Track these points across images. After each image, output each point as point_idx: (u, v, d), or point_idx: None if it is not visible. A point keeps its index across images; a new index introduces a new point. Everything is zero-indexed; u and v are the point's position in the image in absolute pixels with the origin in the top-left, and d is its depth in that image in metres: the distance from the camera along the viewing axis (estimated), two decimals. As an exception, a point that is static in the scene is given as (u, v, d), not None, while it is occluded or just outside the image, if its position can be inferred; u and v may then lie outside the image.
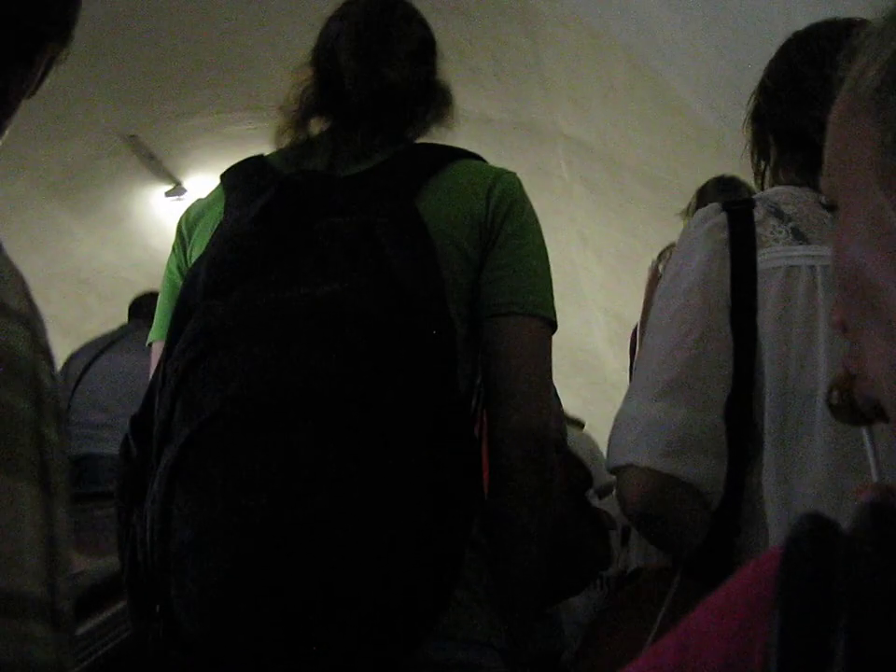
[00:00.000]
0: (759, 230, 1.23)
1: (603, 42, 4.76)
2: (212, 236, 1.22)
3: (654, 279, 2.63)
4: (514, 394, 1.26)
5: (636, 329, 2.44)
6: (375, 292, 1.05)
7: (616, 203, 6.26)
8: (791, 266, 1.19)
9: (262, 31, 5.26)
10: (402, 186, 1.25)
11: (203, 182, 6.86)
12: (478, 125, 6.09)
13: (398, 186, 1.24)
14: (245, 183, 1.29)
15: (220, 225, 1.24)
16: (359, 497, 0.95)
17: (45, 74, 0.74)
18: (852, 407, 0.66)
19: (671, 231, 6.51)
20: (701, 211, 1.33)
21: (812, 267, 1.18)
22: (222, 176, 1.35)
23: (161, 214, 7.18)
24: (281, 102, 1.44)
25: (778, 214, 1.22)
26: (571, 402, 12.65)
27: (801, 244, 1.20)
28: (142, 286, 4.36)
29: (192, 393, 1.02)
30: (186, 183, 6.95)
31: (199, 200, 1.40)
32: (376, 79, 1.34)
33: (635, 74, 4.78)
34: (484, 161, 1.41)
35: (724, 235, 1.24)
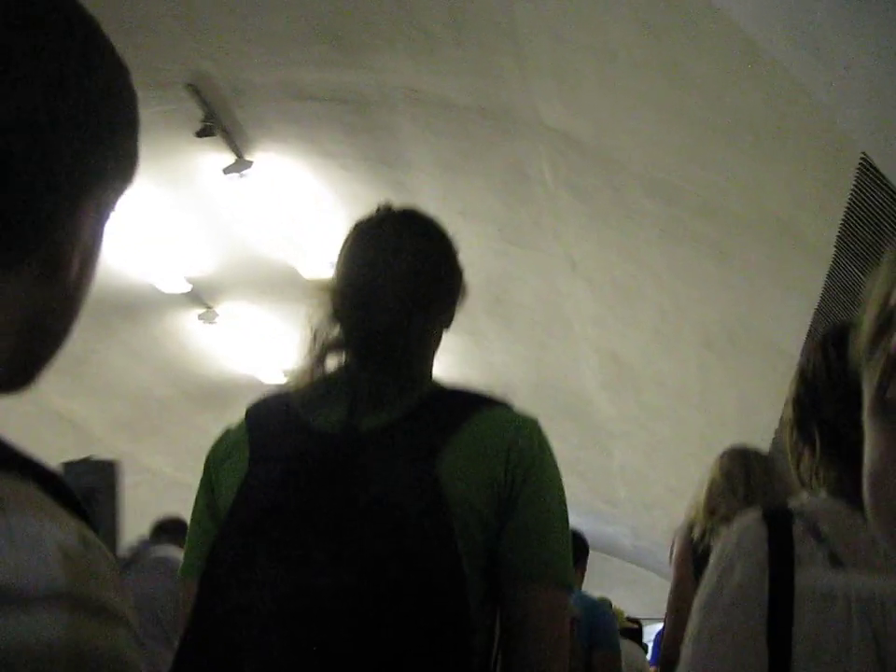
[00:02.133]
0: (797, 548, 1.29)
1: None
2: (239, 494, 1.36)
3: (684, 551, 3.18)
4: (529, 657, 1.35)
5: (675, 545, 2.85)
6: (394, 581, 1.23)
7: (613, 218, 4.94)
8: (827, 594, 1.25)
9: None
10: (423, 449, 1.34)
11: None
12: (435, 111, 4.77)
13: (418, 449, 1.34)
14: (271, 435, 1.43)
15: (246, 483, 1.37)
16: None
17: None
18: None
19: (684, 255, 5.07)
20: (743, 519, 1.37)
21: (847, 596, 1.23)
22: (248, 413, 1.49)
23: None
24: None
25: (816, 533, 1.29)
26: (559, 448, 10.77)
27: (837, 569, 1.27)
28: None
29: None
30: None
31: (226, 434, 1.52)
32: (378, 325, 1.44)
33: (642, 39, 3.44)
34: (506, 406, 1.48)
35: (764, 553, 1.30)
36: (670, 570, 3.47)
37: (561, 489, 1.45)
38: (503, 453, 1.36)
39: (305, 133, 5.33)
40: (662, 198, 4.55)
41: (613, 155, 4.56)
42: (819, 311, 4.40)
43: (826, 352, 1.39)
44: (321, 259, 6.91)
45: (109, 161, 0.63)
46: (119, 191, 0.66)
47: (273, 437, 1.41)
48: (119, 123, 0.64)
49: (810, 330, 4.57)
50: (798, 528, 1.26)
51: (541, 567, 1.35)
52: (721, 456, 3.47)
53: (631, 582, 15.55)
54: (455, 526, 1.27)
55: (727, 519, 2.95)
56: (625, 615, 7.30)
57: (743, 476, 3.20)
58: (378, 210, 1.54)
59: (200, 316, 8.13)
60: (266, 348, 8.63)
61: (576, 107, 4.42)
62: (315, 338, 1.46)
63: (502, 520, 1.34)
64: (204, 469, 1.50)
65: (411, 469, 1.30)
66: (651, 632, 17.12)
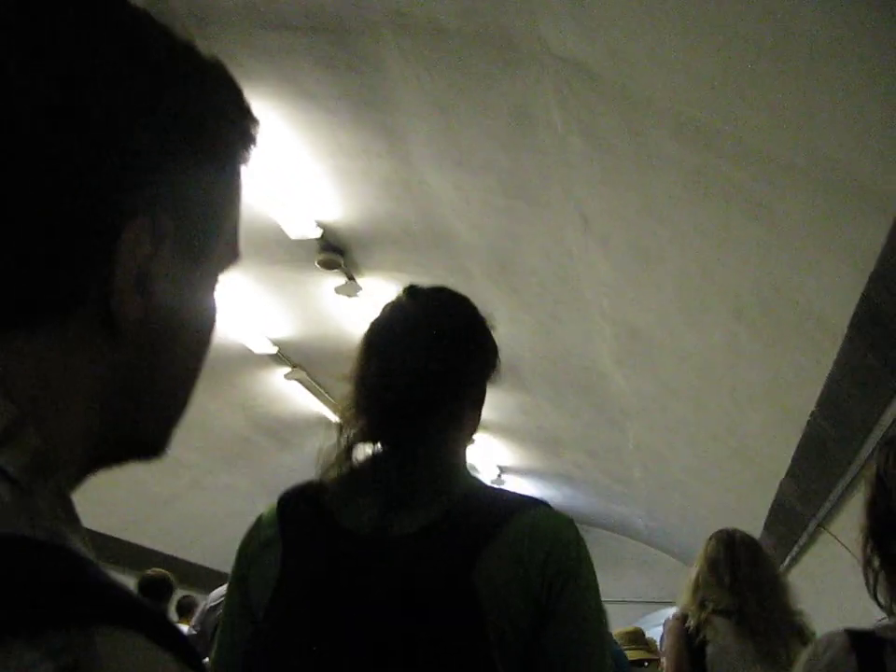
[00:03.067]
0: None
1: None
2: (273, 597, 1.38)
3: (678, 643, 3.25)
4: None
5: (667, 635, 2.99)
6: None
7: (632, 166, 4.28)
8: None
9: None
10: (458, 557, 1.31)
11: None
12: (425, 40, 4.06)
13: (453, 557, 1.32)
14: (303, 535, 1.43)
15: (280, 586, 1.39)
16: None
17: None
18: None
19: (714, 210, 4.34)
20: (830, 641, 1.31)
21: None
22: (280, 507, 1.49)
23: None
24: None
25: None
26: (569, 424, 10.09)
27: None
28: None
29: None
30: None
31: (258, 527, 1.51)
32: (404, 412, 1.43)
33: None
34: (543, 506, 1.45)
35: None
36: (663, 661, 3.73)
37: (598, 601, 1.42)
38: (540, 563, 1.35)
39: (278, 69, 4.66)
40: (690, 141, 3.87)
41: (633, 89, 3.87)
42: (874, 277, 3.72)
43: None
44: (306, 216, 6.28)
45: (158, 173, 0.57)
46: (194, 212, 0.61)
47: (304, 537, 1.41)
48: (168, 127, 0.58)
49: (862, 299, 3.90)
50: (888, 651, 1.17)
51: None
52: (709, 540, 3.68)
53: (644, 564, 15.00)
54: (491, 638, 1.27)
55: (718, 612, 3.29)
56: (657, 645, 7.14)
57: (729, 566, 3.39)
58: (403, 292, 1.55)
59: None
60: (252, 315, 8.04)
61: (589, 32, 3.73)
62: (341, 430, 1.46)
63: (538, 631, 1.33)
64: (237, 561, 1.51)
65: (446, 579, 1.30)
66: (668, 613, 16.58)
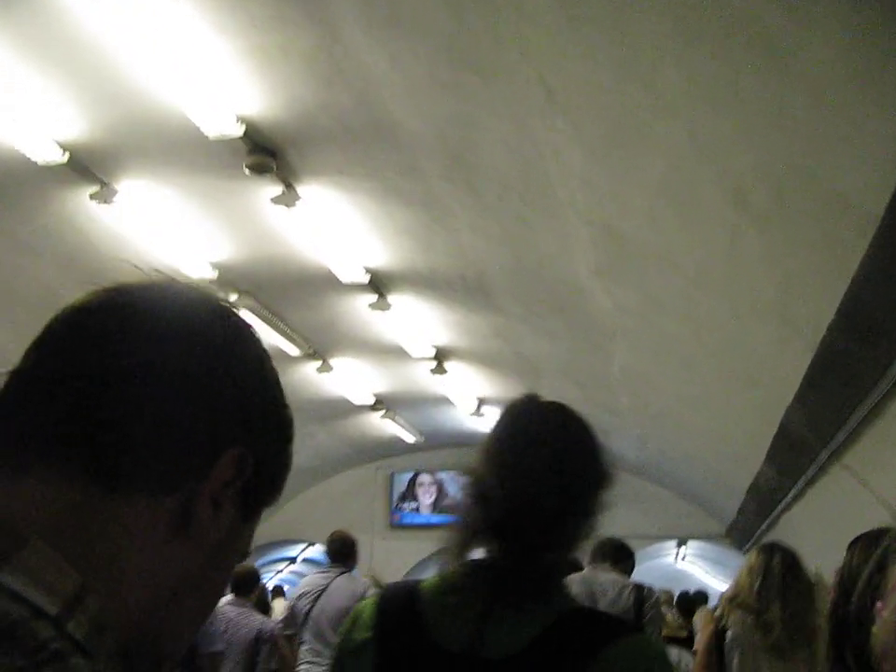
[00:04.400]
0: None
1: None
2: None
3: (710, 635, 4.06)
4: None
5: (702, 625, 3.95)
6: None
7: (607, 13, 3.28)
8: None
9: None
10: None
11: None
12: None
13: None
14: (397, 646, 1.49)
15: None
16: None
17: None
18: None
19: (710, 65, 3.48)
20: None
21: None
22: (379, 611, 1.55)
23: None
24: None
25: None
26: (549, 350, 9.01)
27: None
28: None
29: None
30: None
31: (356, 625, 1.58)
32: (529, 520, 1.47)
33: None
34: (638, 636, 1.52)
35: None
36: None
37: None
38: None
39: None
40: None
41: None
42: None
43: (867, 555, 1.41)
44: (223, 109, 5.30)
45: (243, 426, 0.76)
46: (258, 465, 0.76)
47: (398, 648, 1.47)
48: (254, 398, 0.78)
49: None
50: None
51: None
52: (753, 549, 4.23)
53: (637, 498, 14.24)
54: None
55: (742, 606, 3.81)
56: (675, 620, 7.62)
57: (761, 573, 3.79)
58: (527, 399, 1.61)
59: (92, 196, 6.56)
60: (184, 234, 7.07)
61: None
62: (464, 522, 1.50)
63: None
64: (336, 659, 1.60)
65: None
66: (662, 548, 15.93)
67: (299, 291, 8.25)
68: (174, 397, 0.71)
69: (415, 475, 15.19)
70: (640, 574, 10.77)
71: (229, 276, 7.87)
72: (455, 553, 1.49)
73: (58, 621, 0.59)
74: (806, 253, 4.18)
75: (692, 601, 9.93)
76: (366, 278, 7.58)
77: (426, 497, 14.90)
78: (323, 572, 6.56)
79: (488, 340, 8.83)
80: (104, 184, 6.48)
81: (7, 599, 0.58)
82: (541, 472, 1.47)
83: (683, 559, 17.25)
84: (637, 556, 15.73)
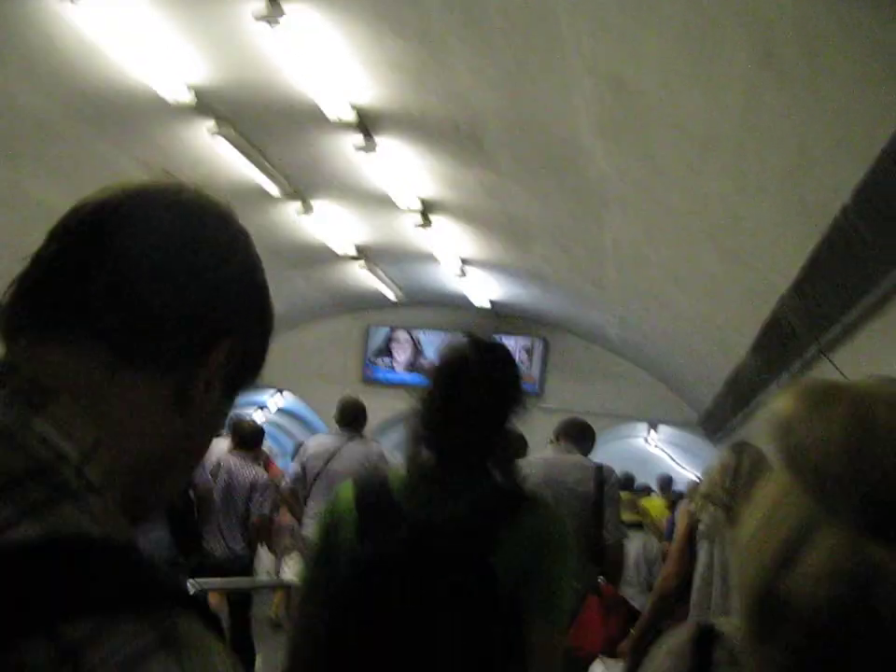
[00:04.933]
0: None
1: None
2: (351, 568, 1.97)
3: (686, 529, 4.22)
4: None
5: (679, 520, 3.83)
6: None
7: None
8: None
9: None
10: (483, 541, 1.95)
11: None
12: None
13: (481, 541, 1.95)
14: (374, 514, 2.03)
15: (356, 557, 1.99)
16: None
17: (222, 368, 0.88)
18: None
19: None
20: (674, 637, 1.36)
21: None
22: (357, 490, 2.09)
23: None
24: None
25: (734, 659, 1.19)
26: (540, 212, 8.53)
27: None
28: None
29: None
30: None
31: (340, 499, 2.12)
32: (460, 438, 2.07)
33: None
34: (549, 510, 2.13)
35: None
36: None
37: (573, 569, 2.07)
38: (541, 541, 2.01)
39: None
40: None
41: None
42: None
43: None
44: None
45: (235, 321, 0.89)
46: (245, 355, 0.91)
47: (376, 516, 2.00)
48: (246, 298, 0.91)
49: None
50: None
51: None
52: (726, 448, 4.34)
53: (614, 376, 14.05)
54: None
55: (713, 502, 3.99)
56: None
57: (733, 470, 3.95)
58: (464, 341, 2.06)
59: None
60: (159, 52, 6.51)
61: None
62: (412, 438, 2.08)
63: (529, 580, 1.98)
64: (325, 525, 2.13)
65: (475, 561, 1.93)
66: (633, 429, 15.86)
67: (281, 125, 7.75)
68: (180, 290, 0.84)
69: (392, 331, 14.93)
70: (609, 454, 10.67)
71: (207, 100, 7.35)
72: (411, 449, 2.06)
73: (78, 465, 0.73)
74: (829, 123, 3.77)
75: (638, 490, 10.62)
76: (352, 115, 7.09)
77: (400, 355, 14.66)
78: (335, 435, 6.73)
79: (478, 196, 8.40)
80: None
81: (38, 443, 0.71)
82: (469, 404, 1.98)
83: (654, 445, 17.24)
84: (608, 435, 15.75)
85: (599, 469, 4.65)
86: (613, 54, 4.60)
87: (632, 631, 4.31)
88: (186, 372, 0.83)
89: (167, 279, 0.82)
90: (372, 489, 2.07)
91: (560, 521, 2.08)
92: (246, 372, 0.93)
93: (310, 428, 16.69)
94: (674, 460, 19.19)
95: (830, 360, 5.52)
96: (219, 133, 7.87)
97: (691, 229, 6.15)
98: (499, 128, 6.49)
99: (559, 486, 4.40)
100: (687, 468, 17.57)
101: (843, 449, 0.78)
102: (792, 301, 5.55)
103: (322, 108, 7.04)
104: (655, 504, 10.66)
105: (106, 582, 0.64)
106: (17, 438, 0.72)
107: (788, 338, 5.99)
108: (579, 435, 4.92)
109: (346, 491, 2.09)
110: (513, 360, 2.10)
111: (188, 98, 7.18)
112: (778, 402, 0.86)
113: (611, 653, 4.45)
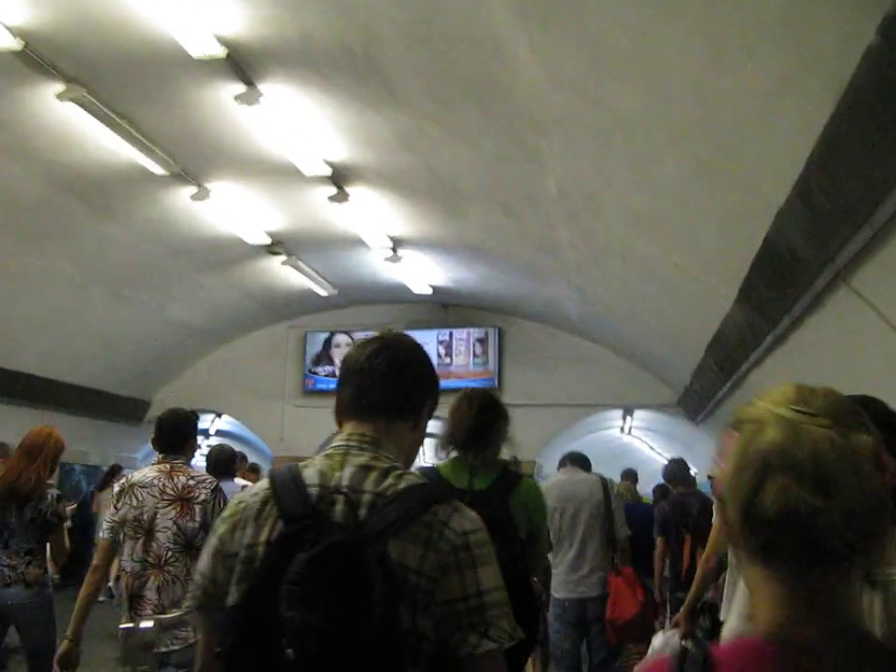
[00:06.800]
0: None
1: None
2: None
3: None
4: None
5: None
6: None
7: None
8: None
9: None
10: (501, 496, 3.42)
11: None
12: None
13: (498, 504, 3.35)
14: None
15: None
16: None
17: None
18: None
19: None
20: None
21: None
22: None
23: None
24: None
25: None
26: (469, 161, 7.25)
27: None
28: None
29: None
30: None
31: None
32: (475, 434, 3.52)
33: None
34: (534, 481, 3.83)
35: None
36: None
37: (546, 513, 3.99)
38: (530, 502, 3.50)
39: None
40: None
41: None
42: None
43: None
44: None
45: (428, 401, 2.03)
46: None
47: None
48: (432, 391, 2.05)
49: None
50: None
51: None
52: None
53: (577, 360, 12.72)
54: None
55: None
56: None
57: None
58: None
59: None
60: None
61: None
62: (445, 440, 3.52)
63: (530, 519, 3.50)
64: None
65: (498, 505, 3.33)
66: (606, 418, 14.59)
67: (143, 79, 6.37)
68: (421, 383, 1.99)
69: (331, 335, 13.63)
70: (583, 447, 9.32)
71: (41, 49, 5.97)
72: (444, 451, 3.55)
73: (397, 463, 1.86)
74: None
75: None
76: (222, 51, 5.72)
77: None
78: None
79: (394, 152, 7.05)
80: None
81: (385, 459, 1.85)
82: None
83: (629, 432, 16.05)
84: (579, 427, 14.27)
85: (603, 480, 6.04)
86: None
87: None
88: (418, 415, 1.98)
89: (419, 379, 2.00)
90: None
91: (538, 489, 3.68)
92: (432, 414, 2.06)
93: (255, 449, 15.39)
94: (653, 449, 18.05)
95: (854, 290, 4.25)
96: (67, 97, 6.48)
97: (651, 142, 4.83)
98: (399, 42, 5.15)
99: (577, 498, 5.85)
100: (664, 455, 16.38)
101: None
102: (791, 218, 4.28)
103: (186, 48, 5.67)
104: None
105: (438, 493, 1.84)
106: (380, 459, 1.85)
107: (787, 268, 4.70)
108: (581, 459, 6.44)
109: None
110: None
111: (13, 44, 5.80)
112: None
113: (653, 615, 6.02)
